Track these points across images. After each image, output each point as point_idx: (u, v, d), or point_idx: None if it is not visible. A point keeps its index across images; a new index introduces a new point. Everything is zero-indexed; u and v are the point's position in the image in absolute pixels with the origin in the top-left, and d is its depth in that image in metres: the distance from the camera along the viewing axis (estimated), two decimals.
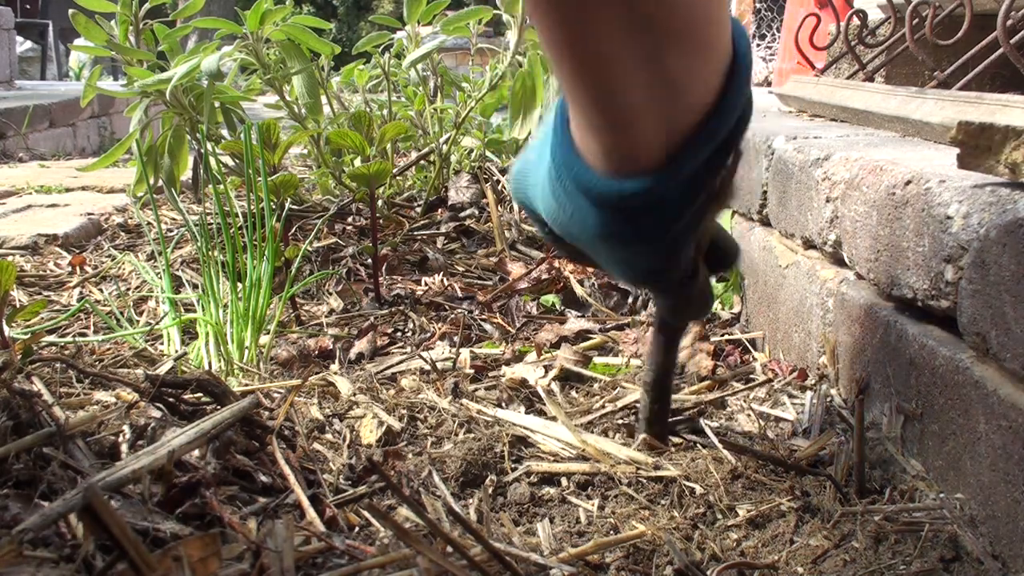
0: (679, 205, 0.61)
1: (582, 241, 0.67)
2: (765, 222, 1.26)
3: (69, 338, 1.22)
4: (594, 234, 0.64)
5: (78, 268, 1.60)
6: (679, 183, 0.59)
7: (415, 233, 1.79)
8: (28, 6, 9.69)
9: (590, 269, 1.56)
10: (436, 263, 1.64)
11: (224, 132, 1.84)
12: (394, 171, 1.96)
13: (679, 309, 0.84)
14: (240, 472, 0.77)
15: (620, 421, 0.98)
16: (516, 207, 1.88)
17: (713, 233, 0.78)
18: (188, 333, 1.27)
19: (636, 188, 0.58)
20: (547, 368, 1.13)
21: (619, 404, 1.01)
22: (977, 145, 0.73)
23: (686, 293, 0.77)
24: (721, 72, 0.56)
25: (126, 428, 0.77)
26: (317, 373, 1.12)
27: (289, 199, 1.41)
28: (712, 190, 0.65)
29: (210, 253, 1.22)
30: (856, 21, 1.56)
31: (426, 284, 1.54)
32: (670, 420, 0.94)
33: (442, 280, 1.55)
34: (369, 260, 1.53)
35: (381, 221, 1.78)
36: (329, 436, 0.93)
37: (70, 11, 1.76)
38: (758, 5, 4.71)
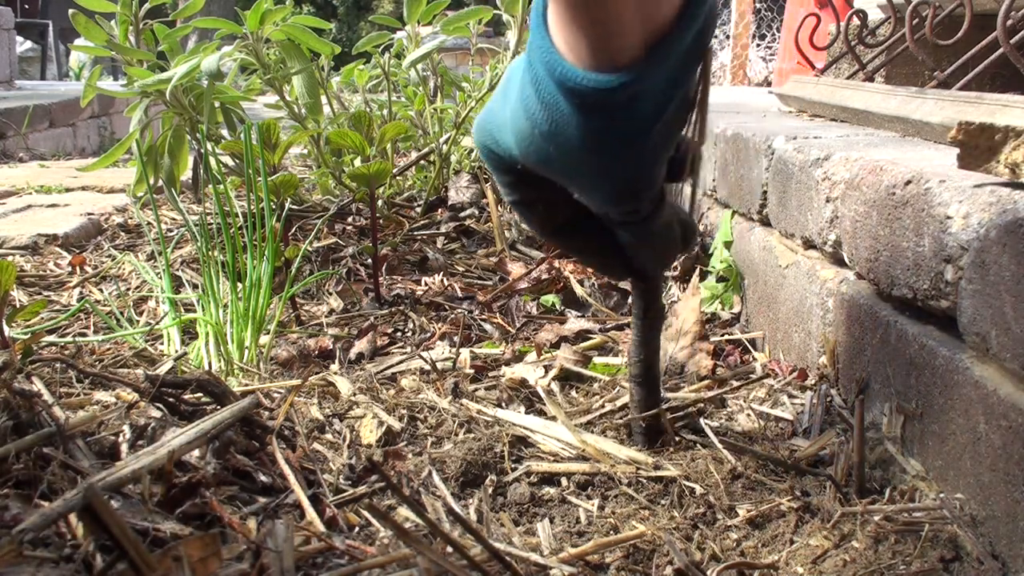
0: (659, 102, 0.63)
1: (557, 162, 0.67)
2: (765, 222, 1.26)
3: (69, 338, 1.22)
4: (574, 144, 0.65)
5: (78, 268, 1.60)
6: (659, 78, 0.61)
7: (415, 233, 1.79)
8: (27, 6, 9.69)
9: (589, 269, 1.56)
10: (436, 263, 1.64)
11: (224, 132, 1.84)
12: (394, 171, 1.96)
13: (645, 247, 0.82)
14: (240, 472, 0.77)
15: (619, 420, 0.98)
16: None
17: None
18: (188, 333, 1.27)
19: (620, 81, 0.59)
20: (547, 368, 1.13)
21: (618, 403, 1.01)
22: (977, 145, 0.74)
23: (651, 227, 0.77)
24: None
25: (126, 428, 0.77)
26: (317, 373, 1.12)
27: (289, 199, 1.41)
28: (685, 96, 0.66)
29: (210, 253, 1.22)
30: (856, 21, 1.56)
31: (426, 284, 1.54)
32: (669, 418, 0.94)
33: (442, 280, 1.55)
34: (369, 260, 1.53)
35: (381, 221, 1.78)
36: (329, 436, 0.93)
37: (70, 11, 1.76)
38: (758, 5, 4.71)
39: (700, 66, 0.67)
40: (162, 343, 1.23)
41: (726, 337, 1.26)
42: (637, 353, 0.92)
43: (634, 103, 0.61)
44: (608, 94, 0.60)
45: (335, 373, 1.13)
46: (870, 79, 1.56)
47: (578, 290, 1.46)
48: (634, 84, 0.60)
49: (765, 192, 1.23)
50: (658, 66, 0.60)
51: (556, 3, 0.60)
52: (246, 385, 1.05)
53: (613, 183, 0.69)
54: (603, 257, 0.84)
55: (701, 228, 1.56)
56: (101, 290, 1.48)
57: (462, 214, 1.89)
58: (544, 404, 1.02)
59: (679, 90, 0.64)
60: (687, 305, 1.23)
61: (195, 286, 1.47)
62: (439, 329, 1.32)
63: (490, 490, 0.84)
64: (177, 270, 1.56)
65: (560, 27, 0.61)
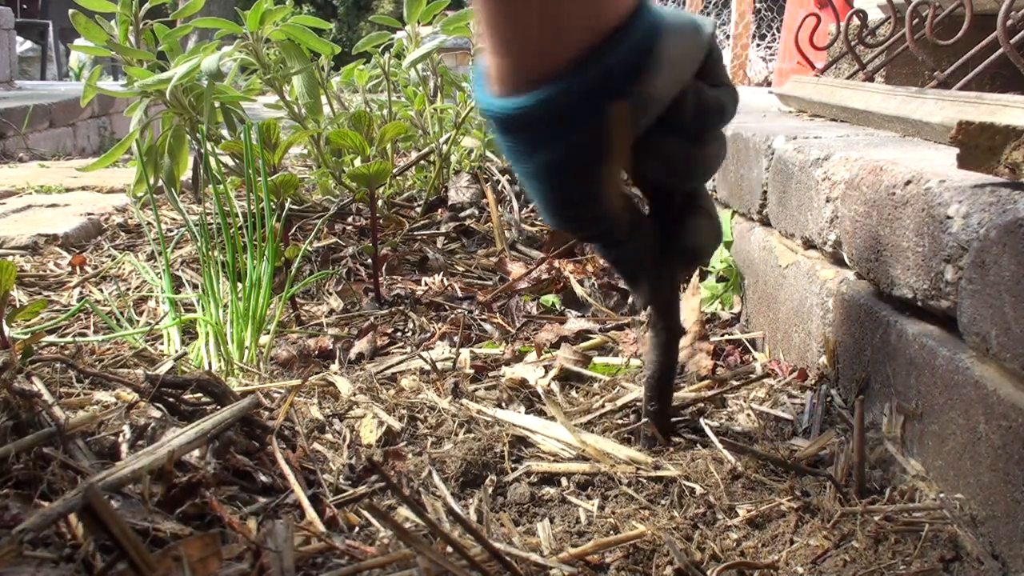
0: (571, 122, 0.67)
1: (521, 179, 0.74)
2: (765, 222, 1.26)
3: (69, 338, 1.22)
4: (507, 153, 0.71)
5: (78, 268, 1.60)
6: (560, 108, 0.65)
7: (415, 233, 1.79)
8: (27, 6, 9.70)
9: (589, 268, 1.56)
10: (436, 263, 1.64)
11: (224, 132, 1.84)
12: (394, 171, 1.96)
13: (620, 271, 0.87)
14: (240, 472, 0.77)
15: (620, 420, 0.98)
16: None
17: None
18: (188, 333, 1.27)
19: (531, 99, 0.65)
20: (547, 368, 1.13)
21: (618, 403, 1.01)
22: (977, 145, 0.74)
23: (629, 253, 0.82)
24: (607, 17, 0.64)
25: (126, 428, 0.77)
26: (317, 373, 1.12)
27: (289, 199, 1.41)
28: (605, 122, 0.68)
29: (210, 253, 1.22)
30: (856, 21, 1.56)
31: (426, 284, 1.54)
32: (672, 420, 0.95)
33: (442, 280, 1.55)
34: (369, 260, 1.53)
35: (381, 221, 1.78)
36: (329, 436, 0.93)
37: (70, 11, 1.76)
38: (758, 5, 4.71)
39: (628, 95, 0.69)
40: (162, 343, 1.23)
41: (726, 337, 1.26)
42: (655, 371, 0.91)
43: (547, 118, 0.66)
44: (520, 111, 0.66)
45: (335, 373, 1.13)
46: (870, 79, 1.56)
47: (578, 290, 1.46)
48: (543, 101, 0.65)
49: (765, 192, 1.23)
50: (557, 96, 0.65)
51: (485, 35, 0.66)
52: (246, 385, 1.05)
53: (552, 204, 0.74)
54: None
55: None
56: (101, 290, 1.48)
57: (462, 214, 1.89)
58: (544, 404, 1.02)
59: (598, 114, 0.67)
60: (687, 305, 1.23)
61: (195, 286, 1.47)
62: (439, 329, 1.32)
63: (490, 490, 0.84)
64: (177, 270, 1.56)
65: (484, 45, 0.68)
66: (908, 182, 0.83)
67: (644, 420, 0.93)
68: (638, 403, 0.97)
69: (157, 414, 0.84)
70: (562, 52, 0.64)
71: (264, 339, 1.18)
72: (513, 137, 0.69)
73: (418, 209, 1.94)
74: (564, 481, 0.86)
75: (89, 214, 1.96)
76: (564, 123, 0.67)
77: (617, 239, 0.80)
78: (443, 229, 1.82)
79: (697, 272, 1.40)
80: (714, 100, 0.77)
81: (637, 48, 0.65)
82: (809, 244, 1.10)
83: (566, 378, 1.12)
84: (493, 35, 0.65)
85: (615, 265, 0.89)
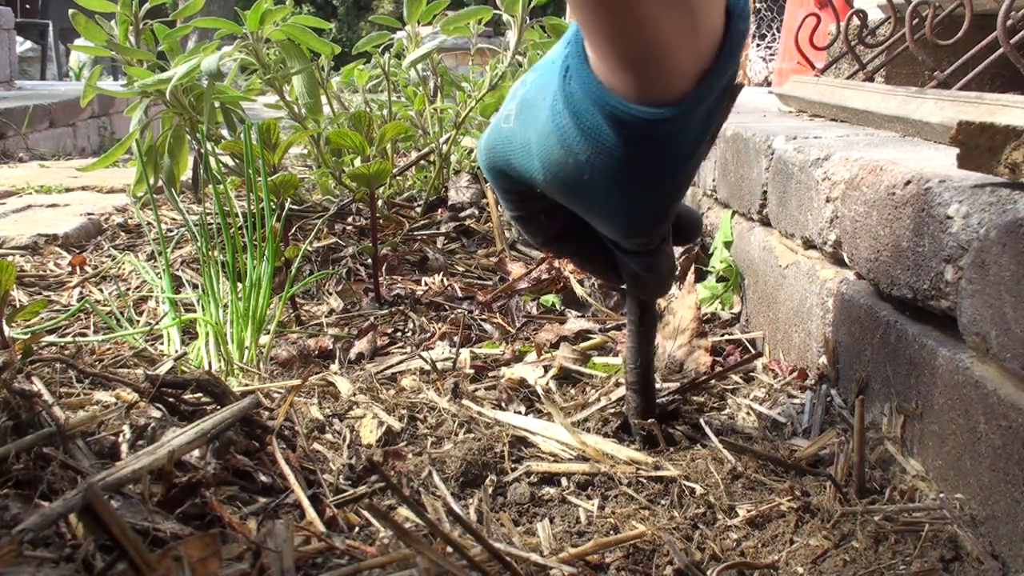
0: (699, 134, 0.66)
1: (586, 190, 0.70)
2: (765, 222, 1.26)
3: (69, 338, 1.22)
4: (610, 174, 0.67)
5: (78, 268, 1.60)
6: (702, 110, 0.63)
7: (415, 233, 1.79)
8: (28, 6, 9.70)
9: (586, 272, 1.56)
10: (436, 263, 1.64)
11: (224, 132, 1.84)
12: (394, 171, 1.96)
13: (651, 277, 0.85)
14: (240, 472, 0.77)
15: (613, 411, 0.98)
16: None
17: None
18: (188, 333, 1.27)
19: (670, 113, 0.62)
20: (547, 368, 1.13)
21: (613, 397, 1.02)
22: (977, 145, 0.74)
23: (659, 258, 0.81)
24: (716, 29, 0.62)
25: (126, 428, 0.77)
26: (317, 373, 1.12)
27: (289, 199, 1.41)
28: (716, 129, 0.69)
29: (210, 253, 1.22)
30: (856, 21, 1.56)
31: (426, 284, 1.54)
32: (664, 413, 0.95)
33: (442, 280, 1.55)
34: (369, 260, 1.53)
35: (381, 221, 1.78)
36: (329, 436, 0.93)
37: (70, 11, 1.76)
38: (758, 5, 4.71)
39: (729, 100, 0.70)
40: (162, 343, 1.23)
41: (726, 337, 1.26)
42: (633, 359, 0.92)
43: (678, 135, 0.64)
44: (657, 125, 0.62)
45: (335, 373, 1.13)
46: (870, 79, 1.56)
47: (578, 290, 1.46)
48: (682, 116, 0.62)
49: (765, 192, 1.23)
50: (703, 99, 0.63)
51: (602, 43, 0.61)
52: (246, 385, 1.05)
53: (638, 213, 0.72)
54: (598, 263, 0.87)
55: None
56: (101, 290, 1.48)
57: (462, 214, 1.89)
58: (544, 404, 1.02)
59: (712, 123, 0.67)
60: (684, 303, 1.23)
61: (195, 286, 1.47)
62: (439, 329, 1.32)
63: (490, 490, 0.84)
64: (177, 270, 1.56)
65: (603, 65, 0.63)
66: (908, 182, 0.83)
67: (629, 414, 0.94)
68: (626, 403, 0.99)
69: (157, 414, 0.84)
70: (708, 46, 0.62)
71: (264, 339, 1.18)
72: (645, 145, 0.65)
73: (418, 209, 1.94)
74: (564, 481, 0.86)
75: (89, 214, 1.96)
76: (707, 122, 0.66)
77: (654, 246, 0.79)
78: (443, 229, 1.82)
79: (692, 269, 1.40)
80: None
81: (734, 59, 0.64)
82: (809, 244, 1.10)
83: (566, 378, 1.12)
84: (630, 47, 0.61)
85: (640, 275, 0.85)
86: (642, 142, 0.64)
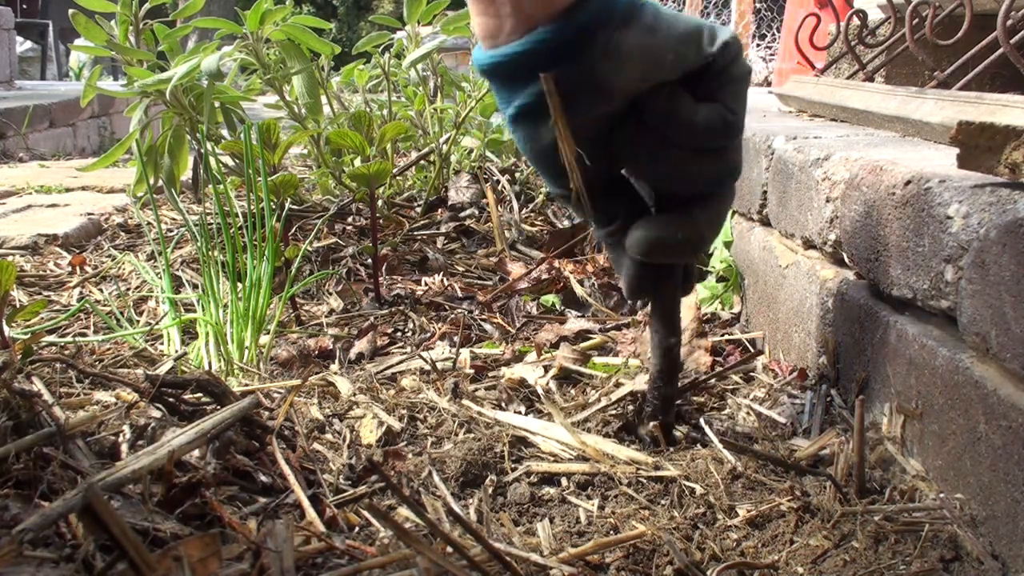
0: (522, 80, 0.75)
1: (519, 144, 0.83)
2: (765, 222, 1.26)
3: (69, 338, 1.22)
4: (509, 120, 0.79)
5: (78, 268, 1.60)
6: (519, 59, 0.74)
7: (415, 233, 1.79)
8: (27, 6, 9.70)
9: (589, 268, 1.56)
10: (436, 263, 1.64)
11: (224, 132, 1.84)
12: (394, 171, 1.96)
13: (620, 264, 0.90)
14: (240, 472, 0.77)
15: (614, 412, 0.98)
16: (516, 206, 1.88)
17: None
18: (188, 333, 1.27)
19: (516, 48, 0.74)
20: (546, 368, 1.13)
21: (613, 397, 1.02)
22: (977, 145, 0.74)
23: (624, 239, 0.85)
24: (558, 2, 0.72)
25: (126, 428, 0.77)
26: (317, 373, 1.12)
27: (289, 199, 1.41)
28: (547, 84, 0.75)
29: (210, 253, 1.22)
30: (856, 21, 1.56)
31: (426, 284, 1.54)
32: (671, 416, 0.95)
33: (442, 280, 1.55)
34: (369, 260, 1.53)
35: (381, 221, 1.78)
36: (329, 436, 0.93)
37: (70, 11, 1.76)
38: (758, 5, 4.71)
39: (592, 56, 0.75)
40: (162, 343, 1.23)
41: (726, 337, 1.26)
42: (658, 381, 0.93)
43: (527, 63, 0.74)
44: (507, 57, 0.75)
45: (335, 373, 1.13)
46: (870, 79, 1.56)
47: (578, 290, 1.46)
48: (527, 49, 0.74)
49: (765, 192, 1.23)
50: (543, 38, 0.73)
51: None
52: (246, 385, 1.05)
53: (540, 159, 0.81)
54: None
55: None
56: (101, 290, 1.48)
57: (462, 214, 1.89)
58: (544, 404, 1.02)
59: (525, 84, 0.76)
60: (684, 303, 1.23)
61: (195, 286, 1.47)
62: (439, 329, 1.32)
63: (490, 490, 0.84)
64: (177, 270, 1.56)
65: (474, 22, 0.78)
66: (908, 182, 0.83)
67: (645, 418, 0.94)
68: (633, 396, 0.99)
69: (157, 414, 0.84)
70: (522, 22, 0.73)
71: (264, 339, 1.18)
72: (493, 84, 0.79)
73: (418, 209, 1.94)
74: (564, 481, 0.86)
75: (89, 214, 1.96)
76: (518, 79, 0.76)
77: (610, 231, 0.87)
78: (443, 229, 1.82)
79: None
80: (688, 110, 0.77)
81: (580, 27, 0.72)
82: (809, 244, 1.10)
83: (566, 378, 1.12)
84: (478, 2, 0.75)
85: (614, 264, 0.92)
86: (498, 77, 0.77)
